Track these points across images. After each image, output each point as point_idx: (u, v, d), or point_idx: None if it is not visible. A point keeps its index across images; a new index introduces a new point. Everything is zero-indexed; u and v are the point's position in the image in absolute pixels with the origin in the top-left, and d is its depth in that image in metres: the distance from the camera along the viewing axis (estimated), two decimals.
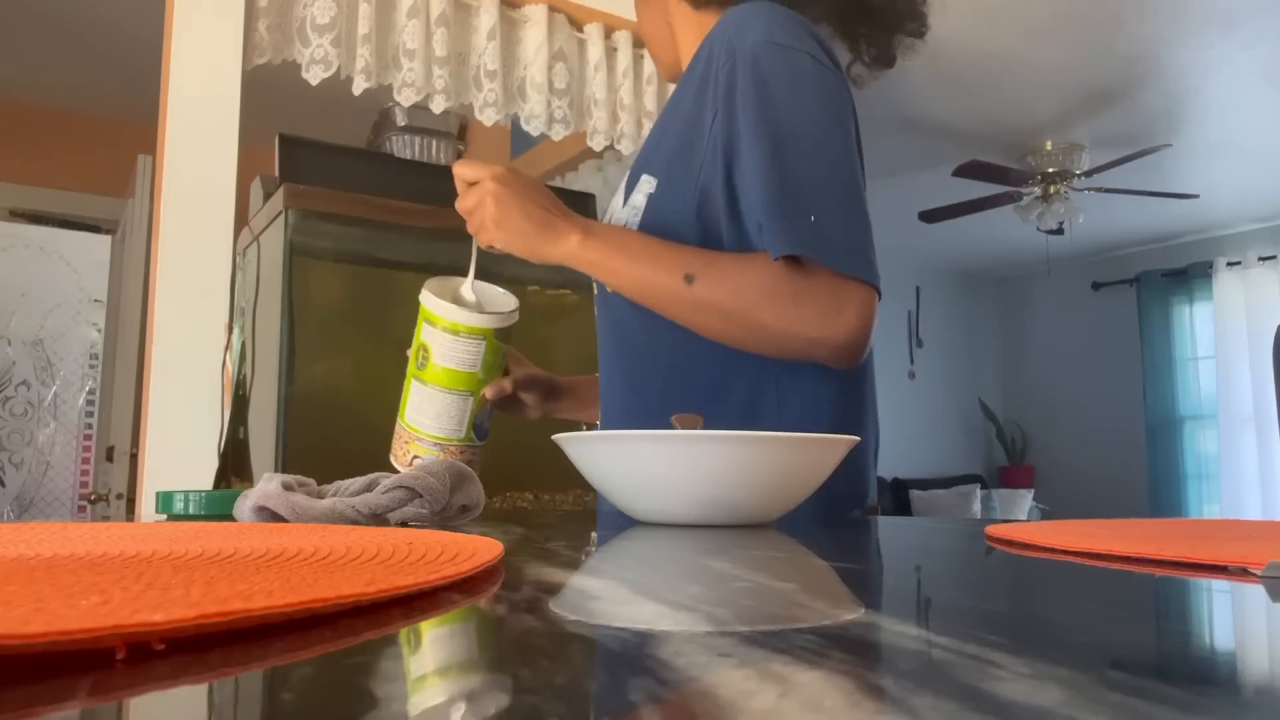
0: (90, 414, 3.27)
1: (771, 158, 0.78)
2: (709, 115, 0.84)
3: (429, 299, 0.95)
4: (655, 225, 0.87)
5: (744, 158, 0.80)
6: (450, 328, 0.94)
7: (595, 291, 1.02)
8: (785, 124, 0.78)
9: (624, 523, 0.69)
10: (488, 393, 0.98)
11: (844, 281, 0.77)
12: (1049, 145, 4.33)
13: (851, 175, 0.80)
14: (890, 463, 6.20)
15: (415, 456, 0.95)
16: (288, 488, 0.64)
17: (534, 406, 1.08)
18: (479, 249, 0.95)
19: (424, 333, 0.95)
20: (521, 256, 0.88)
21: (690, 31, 0.98)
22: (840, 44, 0.95)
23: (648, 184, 0.89)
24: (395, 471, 0.69)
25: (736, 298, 0.78)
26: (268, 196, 1.91)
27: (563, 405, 1.10)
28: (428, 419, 0.95)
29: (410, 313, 0.98)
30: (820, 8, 0.94)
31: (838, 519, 0.82)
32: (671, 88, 1.09)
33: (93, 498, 2.76)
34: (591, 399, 1.11)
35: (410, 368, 0.96)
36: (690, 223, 0.85)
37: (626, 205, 0.92)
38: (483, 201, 0.87)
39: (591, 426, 1.12)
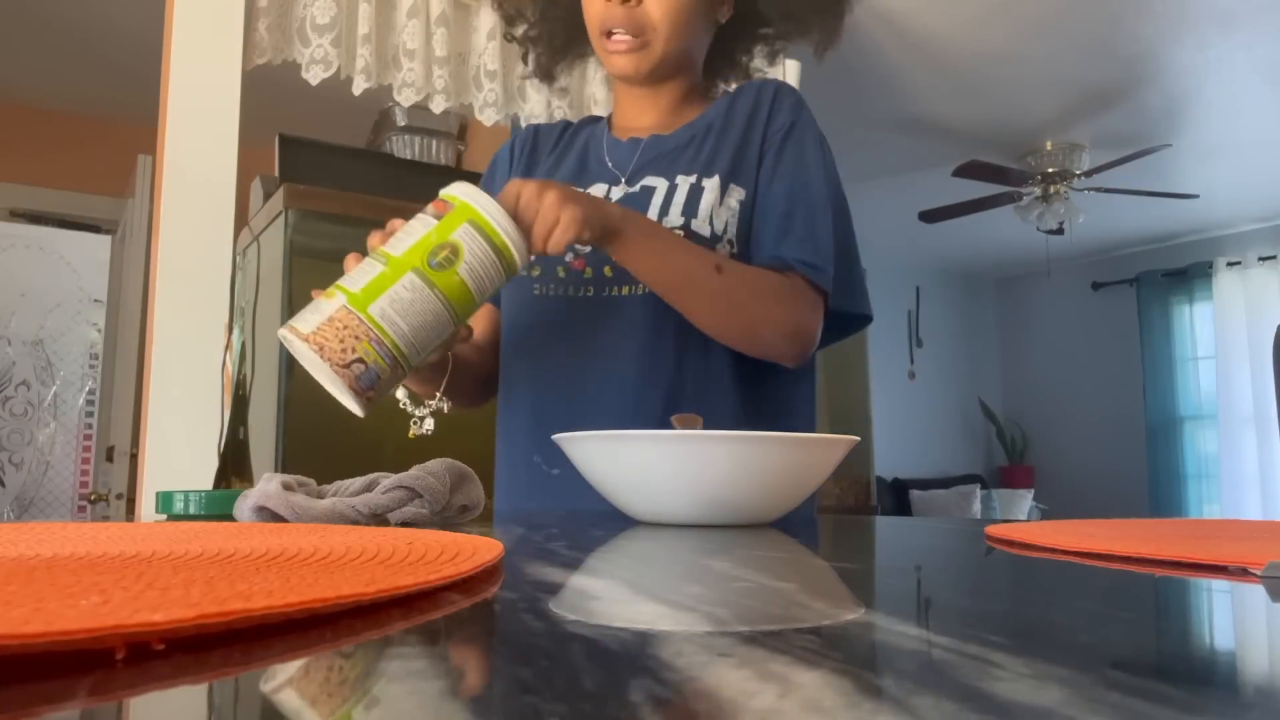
0: (90, 414, 3.27)
1: (828, 207, 1.02)
2: (761, 152, 1.04)
3: (485, 200, 0.80)
4: (743, 229, 1.01)
5: (807, 200, 1.01)
6: (500, 244, 0.79)
7: (582, 292, 1.01)
8: (833, 193, 1.05)
9: (625, 522, 0.69)
10: (463, 331, 0.88)
11: (817, 294, 0.99)
12: (1049, 145, 4.33)
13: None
14: (890, 463, 6.20)
15: (357, 359, 0.75)
16: (288, 488, 0.64)
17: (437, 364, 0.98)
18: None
19: (459, 232, 0.78)
20: (596, 220, 0.85)
21: (693, 76, 1.13)
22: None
23: (738, 192, 1.02)
24: (394, 471, 0.68)
25: (752, 290, 0.96)
26: (268, 196, 1.91)
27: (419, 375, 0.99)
28: (406, 324, 0.77)
29: None
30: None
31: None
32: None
33: (93, 498, 2.76)
34: (432, 378, 0.99)
35: (412, 258, 0.77)
36: (748, 229, 1.02)
37: (723, 205, 1.01)
38: (531, 191, 0.83)
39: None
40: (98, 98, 3.70)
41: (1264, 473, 5.60)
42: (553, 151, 1.15)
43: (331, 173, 1.86)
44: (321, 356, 0.74)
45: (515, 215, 0.81)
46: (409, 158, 2.68)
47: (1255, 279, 5.72)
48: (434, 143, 2.76)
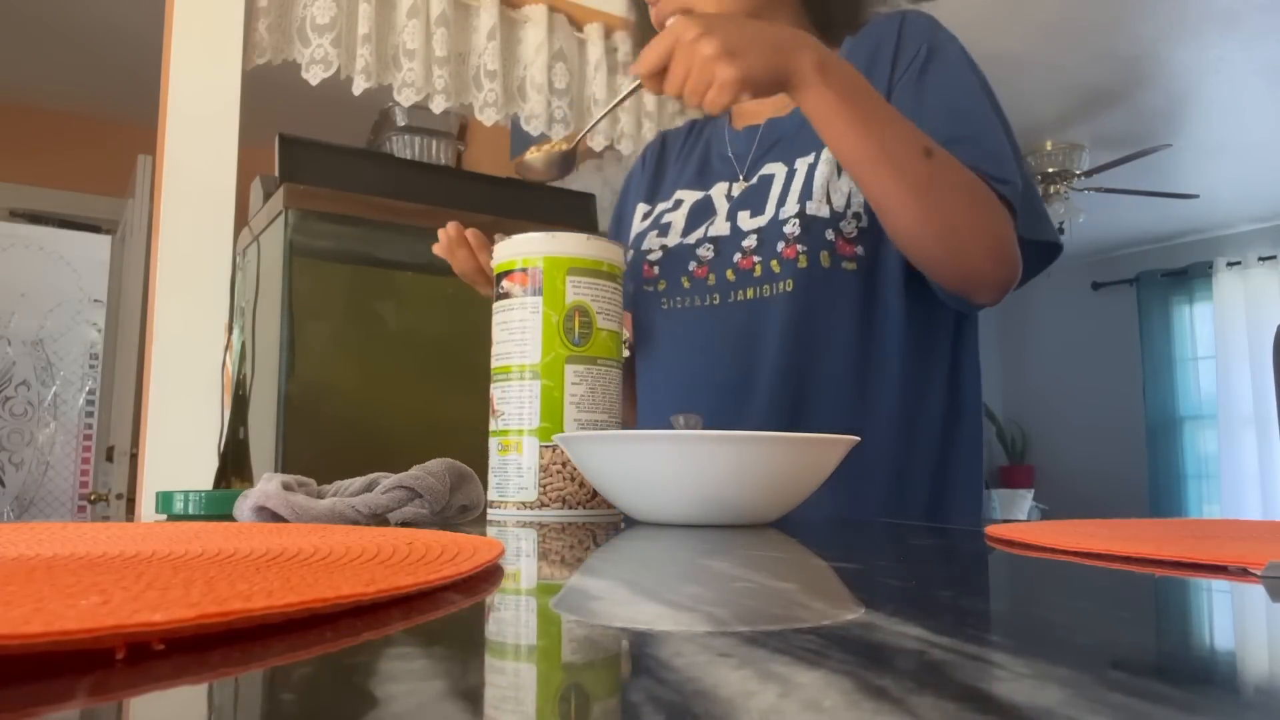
0: (90, 414, 3.27)
1: (1000, 124, 0.87)
2: (890, 92, 0.90)
3: (560, 238, 0.70)
4: None
5: (972, 116, 0.86)
6: (607, 267, 0.70)
7: (713, 297, 0.95)
8: (998, 108, 0.89)
9: (625, 522, 0.69)
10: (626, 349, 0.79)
11: (1007, 209, 0.84)
12: (1049, 145, 4.33)
13: None
14: None
15: None
16: (288, 488, 0.64)
17: None
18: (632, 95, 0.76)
19: (570, 289, 0.68)
20: (765, 77, 0.72)
21: None
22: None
23: None
24: (393, 471, 0.68)
25: (962, 185, 0.80)
26: (268, 196, 1.90)
27: None
28: (601, 412, 0.68)
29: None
30: None
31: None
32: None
33: (93, 498, 2.76)
34: None
35: (555, 351, 0.67)
36: None
37: (843, 176, 0.91)
38: (687, 42, 0.70)
39: None
40: (98, 98, 3.70)
41: (1264, 473, 5.60)
42: (680, 154, 1.10)
43: (331, 173, 1.86)
44: (569, 506, 0.70)
45: (666, 77, 0.71)
46: (409, 158, 2.68)
47: (1255, 279, 5.72)
48: (434, 143, 2.76)
